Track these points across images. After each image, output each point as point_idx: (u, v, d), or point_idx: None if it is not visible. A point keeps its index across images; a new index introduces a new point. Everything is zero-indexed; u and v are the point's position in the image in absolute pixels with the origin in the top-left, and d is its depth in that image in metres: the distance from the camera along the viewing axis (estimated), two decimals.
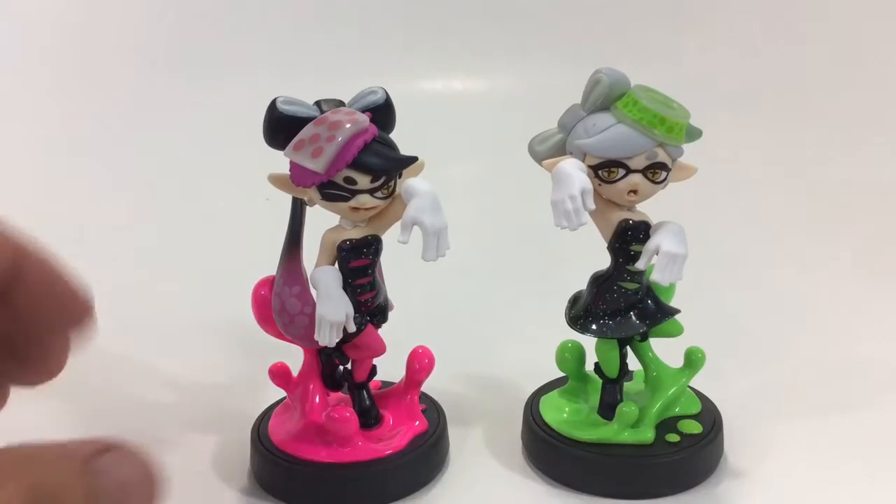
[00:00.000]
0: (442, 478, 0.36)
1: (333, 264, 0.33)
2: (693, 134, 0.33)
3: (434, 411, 0.37)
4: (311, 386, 0.35)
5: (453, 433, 0.37)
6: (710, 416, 0.36)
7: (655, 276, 0.32)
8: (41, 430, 0.21)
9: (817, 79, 0.71)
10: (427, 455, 0.35)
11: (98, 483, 0.18)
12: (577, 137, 0.33)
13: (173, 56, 0.79)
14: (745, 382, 0.42)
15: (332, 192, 0.31)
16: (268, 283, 0.34)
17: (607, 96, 0.32)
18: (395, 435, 0.35)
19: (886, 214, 0.60)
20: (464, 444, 0.38)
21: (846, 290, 0.52)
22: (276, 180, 0.32)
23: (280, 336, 0.34)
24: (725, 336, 0.44)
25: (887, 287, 0.51)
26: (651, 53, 0.72)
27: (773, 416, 0.39)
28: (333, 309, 0.32)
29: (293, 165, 0.31)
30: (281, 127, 0.31)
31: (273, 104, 0.31)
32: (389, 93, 0.33)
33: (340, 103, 0.32)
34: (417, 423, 0.36)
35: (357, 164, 0.30)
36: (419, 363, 0.37)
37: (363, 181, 0.31)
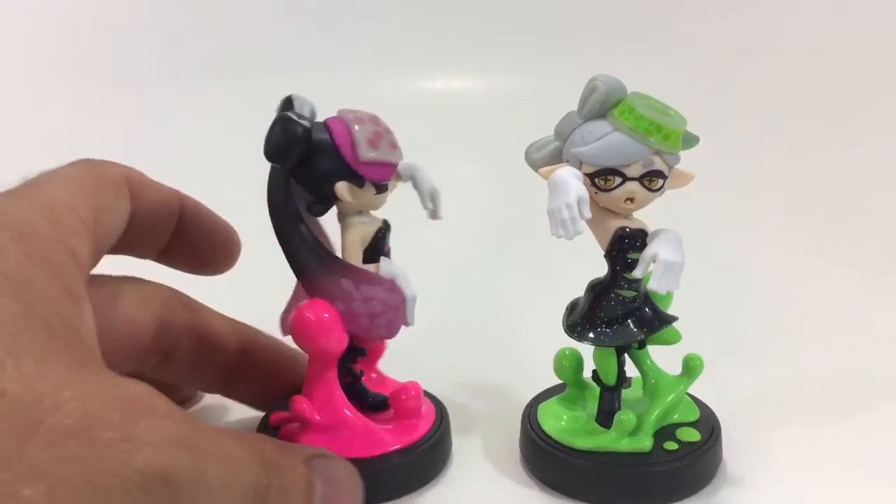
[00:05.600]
0: (439, 484, 0.36)
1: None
2: (690, 141, 0.32)
3: (437, 408, 0.38)
4: (340, 400, 0.35)
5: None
6: (709, 424, 0.36)
7: (652, 285, 0.32)
8: None
9: (817, 79, 0.70)
10: (440, 442, 0.36)
11: (315, 475, 0.24)
12: (574, 145, 0.32)
13: (173, 56, 0.79)
14: (743, 389, 0.41)
15: (386, 182, 0.33)
16: (320, 304, 0.33)
17: (604, 103, 0.32)
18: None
19: (889, 220, 0.60)
20: (461, 451, 0.38)
21: (847, 296, 0.51)
22: (344, 191, 0.32)
23: (326, 352, 0.34)
24: (724, 343, 0.44)
25: (889, 293, 0.51)
26: (651, 54, 0.72)
27: (772, 424, 0.39)
28: (414, 287, 0.34)
29: (370, 165, 0.32)
30: (300, 143, 0.32)
31: (290, 120, 0.32)
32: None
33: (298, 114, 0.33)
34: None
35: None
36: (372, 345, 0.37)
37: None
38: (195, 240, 0.36)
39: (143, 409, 0.21)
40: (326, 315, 0.33)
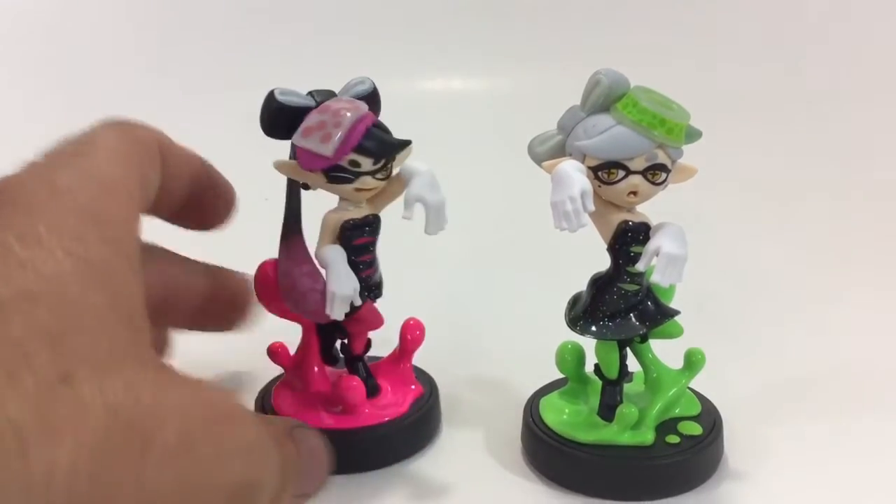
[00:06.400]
0: (439, 478, 0.36)
1: (335, 244, 0.35)
2: (693, 135, 0.33)
3: (426, 382, 0.40)
4: (312, 360, 0.38)
5: (452, 433, 0.38)
6: (711, 418, 0.36)
7: (655, 278, 0.32)
8: None
9: (819, 77, 0.71)
10: (425, 418, 0.38)
11: (296, 446, 0.25)
12: (577, 139, 0.32)
13: (168, 56, 0.79)
14: (745, 384, 0.41)
15: (338, 174, 0.33)
16: (271, 265, 0.36)
17: (607, 97, 0.32)
18: (396, 402, 0.38)
19: (890, 215, 0.60)
20: (463, 444, 0.38)
21: (849, 290, 0.51)
22: (282, 166, 0.34)
23: (285, 314, 0.37)
24: (726, 337, 0.44)
25: (890, 288, 0.51)
26: (651, 53, 0.72)
27: (773, 418, 0.39)
28: (343, 284, 0.33)
29: (301, 151, 0.33)
30: (280, 117, 0.33)
31: (271, 95, 0.33)
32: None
33: (332, 93, 0.34)
34: (413, 387, 0.39)
35: (361, 149, 0.32)
36: (411, 334, 0.39)
37: (366, 164, 0.33)
38: (205, 201, 0.35)
39: (226, 418, 0.22)
40: (269, 274, 0.36)
